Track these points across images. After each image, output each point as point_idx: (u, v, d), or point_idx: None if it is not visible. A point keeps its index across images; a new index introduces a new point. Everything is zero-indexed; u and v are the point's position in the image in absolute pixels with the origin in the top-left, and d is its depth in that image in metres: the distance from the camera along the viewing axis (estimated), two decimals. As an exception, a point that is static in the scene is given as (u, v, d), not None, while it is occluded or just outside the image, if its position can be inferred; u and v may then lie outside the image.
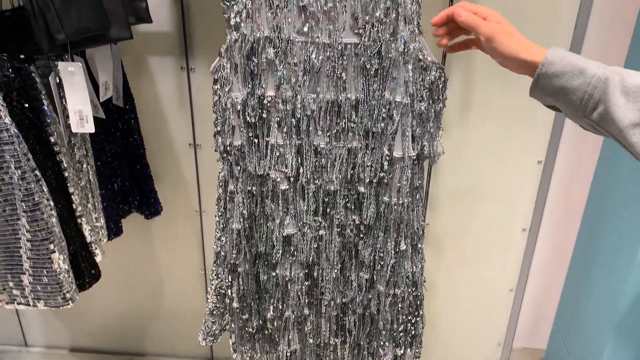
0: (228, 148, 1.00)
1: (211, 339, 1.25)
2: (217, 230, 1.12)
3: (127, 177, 1.45)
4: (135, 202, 1.49)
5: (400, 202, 1.01)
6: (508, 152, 1.51)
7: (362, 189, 1.01)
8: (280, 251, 1.05)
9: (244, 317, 1.15)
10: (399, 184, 1.00)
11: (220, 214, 1.10)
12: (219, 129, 1.01)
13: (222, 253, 1.13)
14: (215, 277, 1.16)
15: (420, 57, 0.94)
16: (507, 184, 1.56)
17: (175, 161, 1.59)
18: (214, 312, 1.22)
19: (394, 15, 0.90)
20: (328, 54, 0.92)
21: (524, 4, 1.33)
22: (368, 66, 0.93)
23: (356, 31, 0.91)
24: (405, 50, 0.91)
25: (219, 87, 0.97)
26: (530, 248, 1.66)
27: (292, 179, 0.99)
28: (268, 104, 0.95)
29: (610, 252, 1.48)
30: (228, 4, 0.95)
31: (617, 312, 1.43)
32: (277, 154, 0.98)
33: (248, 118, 0.96)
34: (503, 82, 1.41)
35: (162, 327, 1.88)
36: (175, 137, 1.57)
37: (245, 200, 1.02)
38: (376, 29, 0.90)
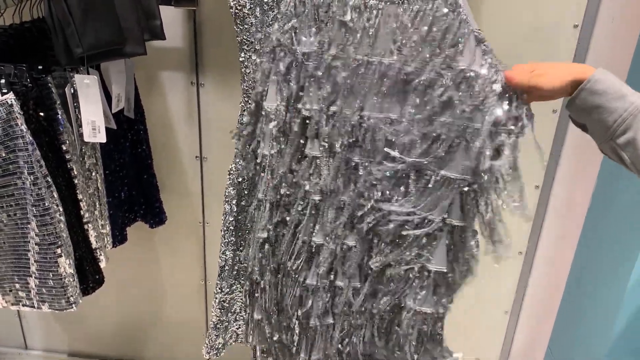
0: (262, 157, 1.01)
1: (215, 352, 1.27)
2: (222, 245, 1.15)
3: (134, 187, 1.49)
4: (141, 211, 1.53)
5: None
6: (506, 176, 1.54)
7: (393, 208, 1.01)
8: (307, 261, 1.06)
9: (267, 330, 1.16)
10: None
11: (225, 228, 1.13)
12: (249, 137, 1.02)
13: (227, 267, 1.16)
14: (219, 290, 1.18)
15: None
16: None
17: (182, 173, 1.63)
18: (218, 326, 1.24)
19: (437, 38, 0.90)
20: (368, 71, 0.93)
21: (522, 37, 1.38)
22: (407, 88, 0.93)
23: (396, 51, 0.92)
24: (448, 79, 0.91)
25: (259, 97, 0.98)
26: (526, 271, 1.68)
27: (325, 191, 1.00)
28: (306, 117, 0.96)
29: (604, 277, 1.51)
30: (242, 26, 1.00)
31: (610, 337, 1.45)
32: (313, 165, 0.99)
33: (284, 128, 0.97)
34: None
35: (161, 335, 1.91)
36: (182, 150, 1.61)
37: (273, 210, 1.04)
38: (414, 51, 0.91)
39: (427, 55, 0.91)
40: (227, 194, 1.11)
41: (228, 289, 1.18)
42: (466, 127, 0.92)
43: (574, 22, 1.35)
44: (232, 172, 1.09)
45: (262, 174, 1.02)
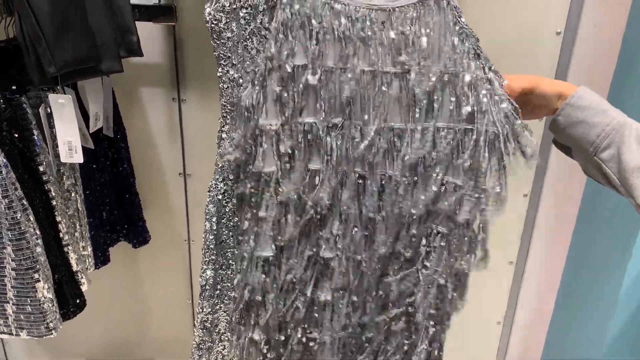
0: (261, 176, 0.97)
1: None
2: (203, 263, 1.11)
3: (116, 206, 1.46)
4: (124, 230, 1.50)
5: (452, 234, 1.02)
6: (494, 186, 1.53)
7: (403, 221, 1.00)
8: (316, 276, 1.03)
9: (266, 349, 1.13)
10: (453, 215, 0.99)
11: (206, 246, 1.10)
12: (246, 156, 0.98)
13: (208, 286, 1.13)
14: (201, 310, 1.15)
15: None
16: (494, 216, 1.58)
17: (165, 190, 1.61)
18: (201, 346, 1.21)
19: (439, 44, 0.91)
20: (369, 82, 0.91)
21: (504, 45, 1.37)
22: (410, 96, 0.92)
23: (398, 60, 0.91)
24: (450, 78, 0.92)
25: (252, 115, 0.95)
26: (517, 281, 1.67)
27: (331, 206, 0.98)
28: (307, 132, 0.94)
29: (596, 286, 1.49)
30: (218, 41, 0.97)
31: (603, 346, 1.43)
32: (317, 180, 0.96)
33: (283, 146, 0.94)
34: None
35: (147, 355, 1.86)
36: (165, 167, 1.58)
37: (276, 227, 1.00)
38: (416, 60, 0.91)
39: (431, 62, 0.91)
40: (207, 211, 1.08)
41: (210, 309, 1.14)
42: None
43: (556, 29, 1.34)
44: (212, 189, 1.06)
45: (265, 193, 0.99)
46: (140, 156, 1.52)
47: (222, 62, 0.99)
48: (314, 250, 1.01)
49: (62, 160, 1.12)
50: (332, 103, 0.93)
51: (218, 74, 1.01)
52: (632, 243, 1.32)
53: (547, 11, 1.33)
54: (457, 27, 0.91)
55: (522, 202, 1.56)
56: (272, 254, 1.02)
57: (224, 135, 1.04)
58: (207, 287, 1.13)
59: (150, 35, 1.41)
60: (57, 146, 1.13)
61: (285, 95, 0.92)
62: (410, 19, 0.89)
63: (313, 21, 0.89)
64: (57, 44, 0.97)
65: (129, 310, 1.77)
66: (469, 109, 0.92)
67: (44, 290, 1.12)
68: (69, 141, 1.10)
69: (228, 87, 1.00)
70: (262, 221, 1.01)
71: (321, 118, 0.93)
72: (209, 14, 0.94)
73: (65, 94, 1.06)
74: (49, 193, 1.16)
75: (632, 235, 1.32)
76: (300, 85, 0.92)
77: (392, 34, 0.90)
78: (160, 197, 1.61)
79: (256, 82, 0.94)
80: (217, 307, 1.16)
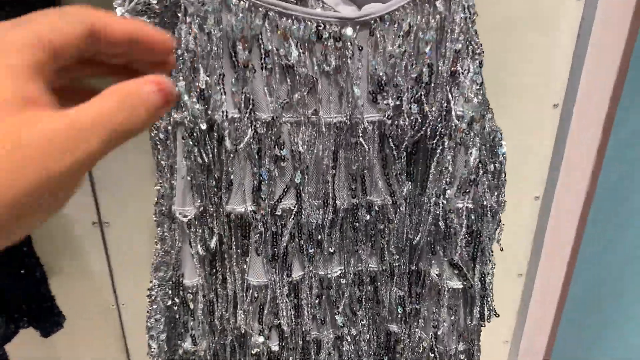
0: (180, 290, 0.64)
1: None
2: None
3: (9, 287, 1.04)
4: (25, 317, 1.08)
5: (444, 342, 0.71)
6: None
7: (394, 328, 0.68)
8: None
9: None
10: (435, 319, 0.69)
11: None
12: (169, 260, 0.65)
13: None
14: None
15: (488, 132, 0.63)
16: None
17: (77, 247, 1.19)
18: None
19: (443, 75, 0.57)
20: (334, 139, 0.58)
21: (519, 12, 1.06)
22: (401, 156, 0.60)
23: (380, 104, 0.57)
24: (463, 126, 0.59)
25: (161, 198, 0.60)
26: (526, 296, 1.41)
27: (287, 335, 0.63)
28: (240, 221, 0.59)
29: (609, 300, 1.29)
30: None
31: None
32: (262, 299, 0.62)
33: (204, 245, 0.60)
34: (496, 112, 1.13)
35: None
36: (74, 216, 1.16)
37: None
38: (412, 97, 0.57)
39: (418, 100, 0.59)
40: (149, 324, 0.70)
41: None
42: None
43: (577, -7, 1.05)
44: (153, 289, 0.69)
45: (190, 320, 0.65)
46: (35, 209, 1.10)
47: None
48: None
49: None
50: (275, 177, 0.58)
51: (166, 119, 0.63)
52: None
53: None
54: (465, 39, 0.57)
55: (533, 205, 1.29)
56: None
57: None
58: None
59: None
60: None
61: (200, 167, 0.57)
62: (405, 30, 0.55)
63: (239, 47, 0.52)
64: None
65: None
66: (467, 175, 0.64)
67: None
68: None
69: (164, 137, 0.62)
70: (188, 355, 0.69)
71: (259, 203, 0.58)
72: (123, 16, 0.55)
73: None
74: None
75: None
76: (226, 148, 0.56)
77: (376, 61, 0.56)
78: (72, 258, 1.19)
79: (159, 146, 0.58)
80: None
